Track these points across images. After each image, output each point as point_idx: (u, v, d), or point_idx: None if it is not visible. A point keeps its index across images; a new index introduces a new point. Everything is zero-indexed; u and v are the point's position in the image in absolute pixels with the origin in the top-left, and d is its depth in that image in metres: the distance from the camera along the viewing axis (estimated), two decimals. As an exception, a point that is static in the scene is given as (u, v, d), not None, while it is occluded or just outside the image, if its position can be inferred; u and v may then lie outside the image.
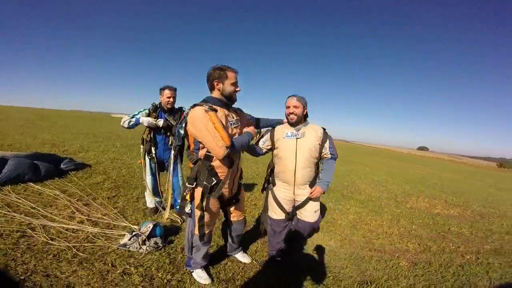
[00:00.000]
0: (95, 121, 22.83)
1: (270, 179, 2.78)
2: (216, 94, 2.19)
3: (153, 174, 3.62)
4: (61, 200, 3.74)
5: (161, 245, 2.85)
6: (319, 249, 3.34)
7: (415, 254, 3.60)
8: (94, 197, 4.05)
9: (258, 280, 2.59)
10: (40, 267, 2.31)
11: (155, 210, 3.75)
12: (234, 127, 2.25)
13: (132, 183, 5.02)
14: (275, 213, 2.69)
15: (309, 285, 2.59)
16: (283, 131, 2.59)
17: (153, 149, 3.53)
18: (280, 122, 2.75)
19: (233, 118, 2.26)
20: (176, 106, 3.59)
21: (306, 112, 2.59)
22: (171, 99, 3.44)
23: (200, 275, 2.43)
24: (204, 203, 2.16)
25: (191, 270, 2.48)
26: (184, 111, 3.48)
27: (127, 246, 2.75)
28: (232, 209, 2.57)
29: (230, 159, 2.15)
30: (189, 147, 2.26)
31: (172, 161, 3.42)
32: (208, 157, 2.09)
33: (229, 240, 2.77)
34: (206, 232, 2.33)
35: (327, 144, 2.57)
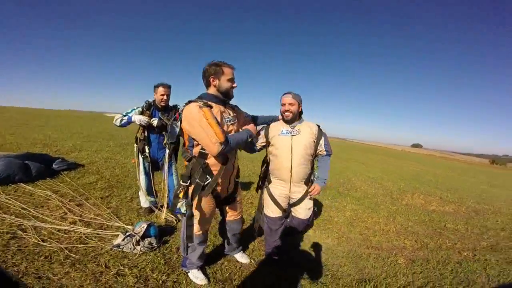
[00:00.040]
0: (89, 121, 22.55)
1: (265, 175, 2.74)
2: (212, 90, 2.14)
3: (146, 174, 3.55)
4: (53, 201, 3.65)
5: (155, 245, 2.79)
6: (317, 247, 3.31)
7: (413, 251, 3.59)
8: (87, 197, 3.96)
9: (255, 279, 2.54)
10: (32, 269, 2.24)
11: (150, 210, 3.67)
12: (231, 124, 2.19)
13: (126, 182, 4.93)
14: (272, 211, 2.65)
15: (307, 284, 2.56)
16: (278, 129, 2.57)
17: (146, 148, 3.45)
18: (274, 119, 2.73)
19: (229, 115, 2.21)
20: (172, 104, 3.52)
21: (301, 109, 2.58)
22: (165, 97, 3.36)
23: (196, 276, 2.37)
24: (195, 202, 2.11)
25: (186, 271, 2.43)
26: (179, 109, 3.43)
27: (121, 247, 2.68)
28: (228, 208, 2.52)
29: (225, 157, 2.09)
30: (184, 144, 2.21)
31: (166, 160, 3.35)
32: (203, 155, 2.04)
33: (227, 240, 2.72)
34: (202, 232, 2.28)
35: (322, 141, 2.57)
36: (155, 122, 3.32)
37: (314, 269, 2.83)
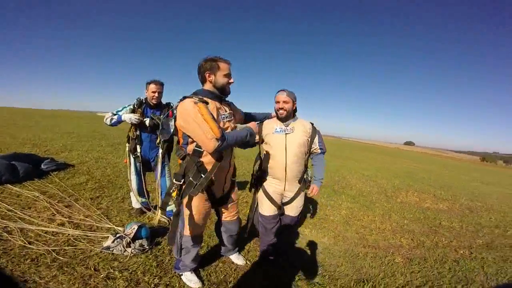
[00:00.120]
0: (80, 120, 22.21)
1: (259, 174, 2.68)
2: (208, 86, 2.07)
3: (138, 174, 3.43)
4: (41, 202, 3.53)
5: (147, 247, 2.70)
6: (313, 247, 3.26)
7: (409, 249, 3.56)
8: (76, 198, 3.84)
9: (251, 281, 2.47)
10: (18, 272, 2.16)
11: (141, 210, 3.56)
12: (227, 121, 2.12)
13: (117, 183, 4.81)
14: (266, 210, 2.60)
15: (305, 285, 2.50)
16: (272, 126, 2.54)
17: (138, 147, 3.33)
18: (268, 116, 2.71)
19: (226, 111, 2.14)
20: (165, 102, 3.41)
21: (295, 107, 2.54)
22: (156, 94, 3.24)
23: (189, 278, 2.29)
24: (185, 201, 2.04)
25: (180, 273, 2.35)
26: (172, 107, 3.32)
27: (111, 249, 2.59)
28: (225, 208, 2.44)
29: (219, 154, 2.01)
30: (178, 142, 2.13)
31: (160, 160, 3.25)
32: (197, 152, 1.96)
33: (223, 241, 2.64)
34: (196, 233, 2.20)
35: (316, 139, 2.57)
36: (147, 121, 3.21)
37: (311, 270, 2.77)
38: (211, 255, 2.75)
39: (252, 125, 2.20)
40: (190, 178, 1.97)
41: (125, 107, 3.26)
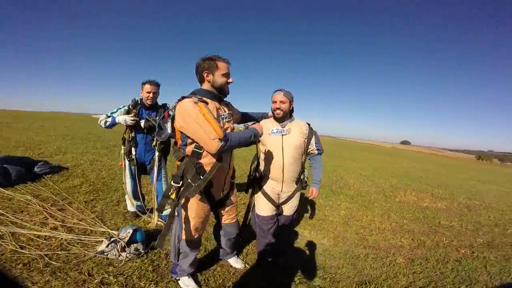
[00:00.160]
0: (75, 122, 21.98)
1: (256, 174, 2.63)
2: (206, 86, 2.00)
3: (132, 178, 3.33)
4: (33, 206, 3.44)
5: (142, 251, 2.62)
6: (313, 249, 3.21)
7: (410, 250, 3.52)
8: (70, 201, 3.75)
9: (250, 285, 2.41)
10: (9, 278, 2.06)
11: (136, 214, 3.48)
12: (226, 121, 2.06)
13: (112, 185, 4.72)
14: (264, 210, 2.57)
15: (305, 289, 2.44)
16: (268, 127, 2.50)
17: (133, 149, 3.22)
18: (264, 116, 2.67)
19: (225, 112, 2.08)
20: (161, 103, 3.31)
21: (292, 107, 2.51)
22: (151, 95, 3.13)
23: (186, 284, 2.21)
24: (182, 202, 1.97)
25: (177, 278, 2.27)
26: (168, 108, 3.22)
27: (105, 254, 2.51)
28: (224, 211, 2.38)
29: (219, 155, 1.94)
30: (175, 143, 2.05)
31: (156, 163, 3.16)
32: (196, 154, 1.89)
33: (222, 244, 2.57)
34: (195, 237, 2.13)
35: (313, 140, 2.57)
36: (142, 123, 3.10)
37: (311, 272, 2.71)
38: (208, 259, 2.68)
39: (258, 126, 2.11)
40: (189, 180, 1.90)
41: (120, 108, 3.17)
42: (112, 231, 2.94)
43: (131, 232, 2.62)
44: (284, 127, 2.46)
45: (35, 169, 4.78)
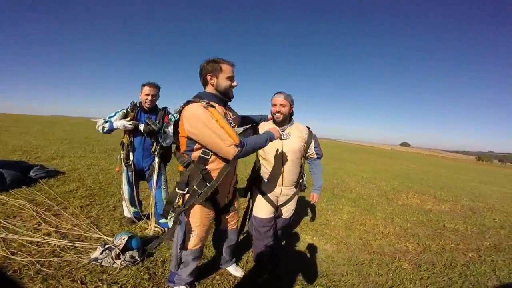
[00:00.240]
0: (74, 126, 21.91)
1: (256, 178, 2.59)
2: (210, 89, 1.93)
3: (130, 184, 3.20)
4: (27, 211, 3.35)
5: (138, 258, 2.51)
6: (316, 255, 3.11)
7: (416, 254, 3.41)
8: (65, 206, 3.65)
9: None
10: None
11: (133, 220, 3.36)
12: (232, 127, 1.96)
13: (109, 190, 4.61)
14: (262, 212, 2.51)
15: (308, 297, 2.34)
16: None
17: (130, 155, 3.10)
18: (264, 119, 2.62)
19: (231, 116, 2.01)
20: (161, 106, 3.20)
21: (292, 111, 2.46)
22: (150, 97, 3.00)
23: (184, 293, 2.11)
24: (189, 211, 1.89)
25: (174, 287, 2.16)
26: (168, 112, 3.09)
27: (99, 261, 2.41)
28: (225, 217, 2.29)
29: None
30: (177, 148, 1.97)
31: (155, 170, 3.05)
32: (203, 160, 1.81)
33: (221, 251, 2.47)
34: (199, 245, 2.03)
35: (312, 145, 2.54)
36: (141, 127, 2.97)
37: (314, 280, 2.61)
38: (207, 267, 2.57)
39: (274, 130, 2.04)
40: (195, 187, 1.83)
41: (118, 112, 3.03)
42: (107, 238, 2.85)
43: (126, 239, 2.52)
44: (283, 131, 2.41)
45: (31, 173, 4.69)
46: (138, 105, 3.07)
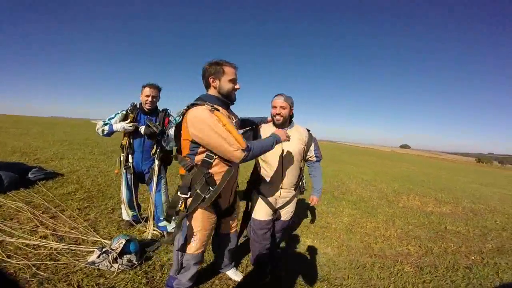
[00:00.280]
0: (74, 127, 21.89)
1: (255, 180, 2.57)
2: (212, 92, 1.89)
3: (128, 187, 3.14)
4: (24, 213, 3.31)
5: (136, 262, 2.48)
6: (317, 259, 3.07)
7: (418, 257, 3.38)
8: (63, 208, 3.61)
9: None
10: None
11: (131, 223, 3.31)
12: None
13: (108, 192, 4.57)
14: (261, 214, 2.48)
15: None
16: (267, 133, 2.38)
17: (130, 157, 3.03)
18: (264, 121, 2.57)
19: (233, 119, 1.98)
20: (161, 108, 3.13)
21: (292, 113, 2.45)
22: (150, 99, 2.93)
23: (182, 298, 2.06)
24: (192, 213, 1.85)
25: (172, 292, 2.11)
26: (169, 114, 3.03)
27: (96, 264, 2.38)
28: (225, 220, 2.25)
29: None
30: (178, 151, 1.93)
31: (156, 173, 2.99)
32: (206, 163, 1.78)
33: (220, 255, 2.44)
34: (201, 250, 1.98)
35: (312, 147, 2.55)
36: (142, 129, 2.90)
37: (315, 284, 2.57)
38: (206, 271, 2.52)
39: (280, 132, 2.02)
40: (198, 191, 1.78)
41: (118, 113, 2.98)
42: (104, 241, 2.81)
43: (123, 243, 2.48)
44: None
45: (29, 175, 4.65)
46: (138, 106, 3.02)
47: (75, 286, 2.12)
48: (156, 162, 2.99)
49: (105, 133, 2.91)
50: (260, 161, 2.51)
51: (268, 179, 2.46)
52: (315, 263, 2.98)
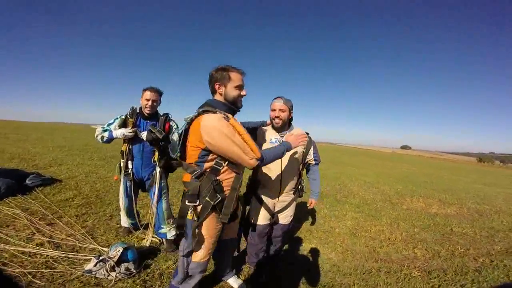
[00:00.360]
0: (74, 133, 21.82)
1: (254, 184, 2.51)
2: (218, 98, 1.85)
3: (127, 195, 3.02)
4: (21, 220, 3.25)
5: (134, 271, 2.40)
6: (320, 264, 2.98)
7: (425, 261, 3.29)
8: (60, 215, 3.53)
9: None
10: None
11: (130, 230, 3.21)
12: None
13: (106, 198, 4.48)
14: (259, 218, 2.47)
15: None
16: (267, 137, 2.43)
17: (129, 163, 2.92)
18: (263, 124, 2.54)
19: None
20: (162, 113, 3.00)
21: (291, 116, 2.42)
22: (150, 103, 2.81)
23: (182, 307, 1.98)
24: (204, 222, 1.80)
25: (171, 301, 2.03)
26: (170, 118, 2.91)
27: (93, 273, 2.31)
28: (230, 225, 2.15)
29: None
30: (183, 158, 1.88)
31: (157, 181, 2.86)
32: (215, 170, 1.74)
33: (221, 261, 2.38)
34: (207, 258, 1.92)
35: (311, 151, 2.57)
36: (143, 135, 2.78)
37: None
38: (207, 279, 2.43)
39: (291, 139, 2.00)
40: (207, 199, 1.74)
41: (117, 118, 2.88)
42: (102, 248, 2.74)
43: (121, 251, 2.40)
44: (283, 137, 2.38)
45: (27, 181, 4.59)
46: (138, 110, 2.90)
47: (71, 294, 2.04)
48: (158, 169, 2.86)
49: (104, 139, 2.82)
50: None
51: (267, 183, 2.44)
52: (319, 269, 2.90)
